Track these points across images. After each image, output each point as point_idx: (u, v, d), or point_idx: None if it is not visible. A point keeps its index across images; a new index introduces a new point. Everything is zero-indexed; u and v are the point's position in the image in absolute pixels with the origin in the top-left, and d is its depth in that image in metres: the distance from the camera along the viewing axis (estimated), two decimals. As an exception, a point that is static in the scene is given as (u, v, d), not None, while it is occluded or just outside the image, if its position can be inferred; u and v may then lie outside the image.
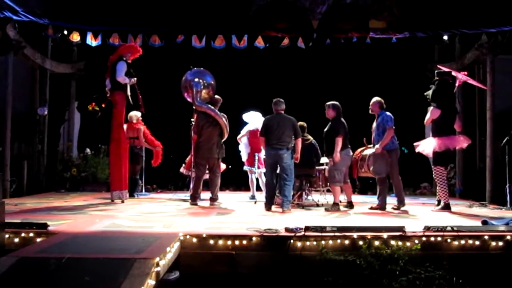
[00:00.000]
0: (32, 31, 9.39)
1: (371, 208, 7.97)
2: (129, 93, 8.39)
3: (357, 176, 8.92)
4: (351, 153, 8.12)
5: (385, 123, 7.76)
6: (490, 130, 9.44)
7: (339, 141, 7.70)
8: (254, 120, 9.45)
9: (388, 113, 7.86)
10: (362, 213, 7.63)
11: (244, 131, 9.50)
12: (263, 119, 8.24)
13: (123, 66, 8.19)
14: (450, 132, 7.80)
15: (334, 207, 7.83)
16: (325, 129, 8.00)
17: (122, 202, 8.26)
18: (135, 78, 8.39)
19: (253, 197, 9.51)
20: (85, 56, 11.83)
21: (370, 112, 8.07)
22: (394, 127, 7.75)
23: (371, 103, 8.04)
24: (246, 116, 9.59)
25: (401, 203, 7.90)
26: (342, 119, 7.95)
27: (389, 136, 7.71)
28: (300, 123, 8.51)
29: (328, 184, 8.56)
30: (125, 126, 9.09)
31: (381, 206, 7.83)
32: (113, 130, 8.29)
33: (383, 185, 7.94)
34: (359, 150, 8.49)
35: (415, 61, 11.58)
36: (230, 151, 9.24)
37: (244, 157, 9.54)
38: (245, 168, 9.58)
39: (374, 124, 8.00)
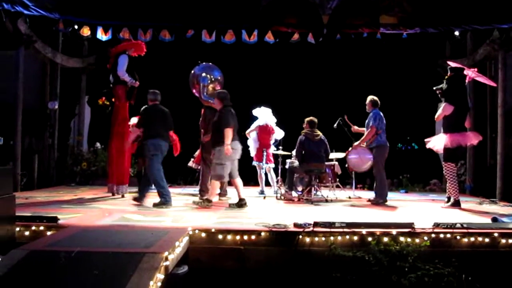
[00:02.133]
0: (43, 25, 9.46)
1: (369, 200, 8.22)
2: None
3: (351, 172, 9.14)
4: (240, 146, 7.45)
5: (369, 121, 8.00)
6: (501, 126, 9.35)
7: (229, 133, 7.08)
8: (264, 115, 9.47)
9: (378, 112, 8.03)
10: (371, 208, 7.61)
11: (253, 126, 9.51)
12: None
13: (125, 60, 8.15)
14: (462, 128, 7.71)
15: (205, 202, 7.28)
16: (214, 120, 7.43)
17: (123, 196, 8.30)
18: (138, 83, 8.30)
19: (262, 192, 9.52)
20: (95, 51, 11.89)
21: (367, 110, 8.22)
22: (376, 127, 7.89)
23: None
24: (256, 111, 9.60)
25: (379, 197, 8.04)
26: (231, 109, 7.37)
27: (369, 135, 7.98)
28: (311, 118, 8.51)
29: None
30: (136, 119, 9.09)
31: (377, 200, 8.03)
32: (118, 124, 8.25)
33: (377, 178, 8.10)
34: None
35: (426, 57, 11.49)
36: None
37: (253, 152, 9.55)
38: (254, 163, 9.60)
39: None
